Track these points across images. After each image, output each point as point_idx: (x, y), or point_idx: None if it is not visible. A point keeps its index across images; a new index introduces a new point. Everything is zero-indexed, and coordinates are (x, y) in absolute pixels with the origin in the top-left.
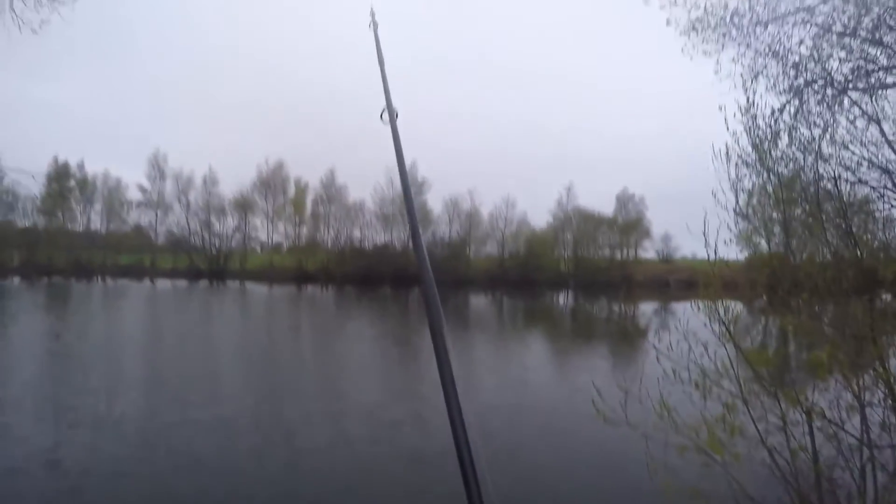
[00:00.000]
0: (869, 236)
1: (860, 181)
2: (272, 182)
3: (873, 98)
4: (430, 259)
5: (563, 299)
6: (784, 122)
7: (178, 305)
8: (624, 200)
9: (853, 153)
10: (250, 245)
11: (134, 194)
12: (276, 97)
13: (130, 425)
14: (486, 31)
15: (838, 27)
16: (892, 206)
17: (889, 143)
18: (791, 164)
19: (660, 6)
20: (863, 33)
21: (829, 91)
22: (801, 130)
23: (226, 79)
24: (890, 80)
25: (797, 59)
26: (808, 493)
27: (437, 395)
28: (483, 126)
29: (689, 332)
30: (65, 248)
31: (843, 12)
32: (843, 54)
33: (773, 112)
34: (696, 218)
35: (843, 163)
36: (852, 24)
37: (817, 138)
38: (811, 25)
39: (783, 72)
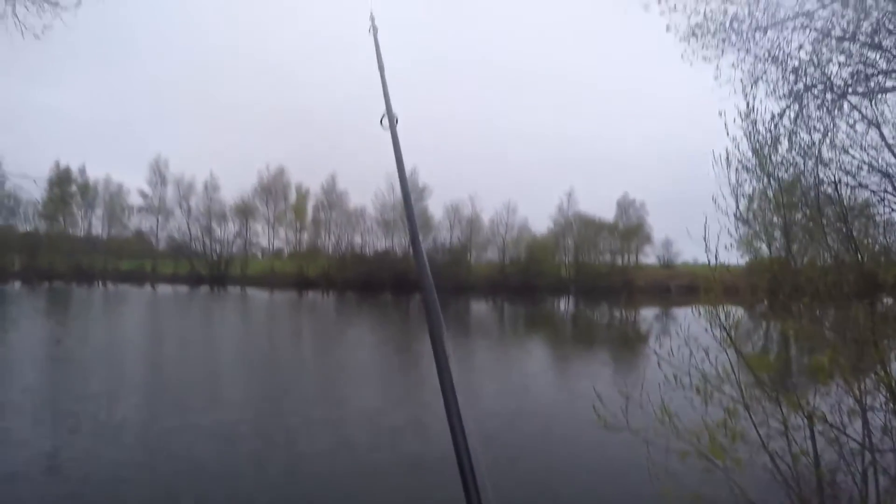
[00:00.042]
0: (869, 240)
1: (860, 185)
2: (273, 188)
3: (873, 102)
4: (430, 265)
5: (565, 305)
6: (784, 126)
7: (179, 311)
8: (625, 206)
9: (853, 157)
10: (251, 251)
11: (135, 199)
12: (277, 103)
13: (131, 430)
14: (487, 36)
15: (837, 32)
16: (892, 209)
17: (889, 146)
18: (791, 169)
19: (660, 12)
20: (862, 37)
21: (828, 95)
22: (801, 135)
23: (227, 84)
24: (889, 83)
25: (797, 63)
26: (809, 498)
27: (437, 401)
28: (484, 131)
29: (690, 337)
30: (66, 253)
31: (843, 17)
32: (842, 59)
33: (773, 117)
34: (697, 223)
35: (843, 167)
36: (851, 28)
37: (817, 143)
38: (810, 30)
39: (783, 77)
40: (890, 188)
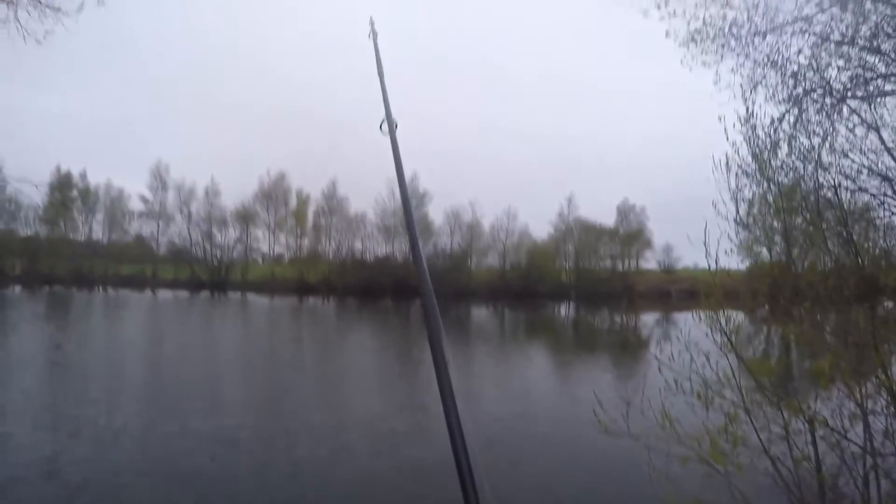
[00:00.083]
0: (870, 244)
1: (860, 189)
2: (274, 193)
3: (872, 106)
4: (431, 271)
5: (565, 310)
6: (783, 131)
7: (180, 316)
8: (625, 211)
9: (853, 161)
10: (252, 256)
11: (136, 205)
12: (278, 109)
13: (131, 436)
14: (487, 41)
15: (836, 36)
16: (892, 213)
17: (888, 150)
18: (791, 174)
19: (659, 18)
20: (861, 42)
21: (828, 100)
22: (801, 139)
23: (228, 90)
24: (889, 87)
25: (796, 68)
26: (811, 503)
27: (437, 406)
28: (484, 136)
29: (690, 342)
30: (66, 258)
31: (841, 21)
32: (841, 63)
33: (772, 121)
34: (697, 228)
35: (842, 171)
36: (850, 32)
37: (817, 147)
38: (809, 35)
39: (782, 81)
40: (890, 192)
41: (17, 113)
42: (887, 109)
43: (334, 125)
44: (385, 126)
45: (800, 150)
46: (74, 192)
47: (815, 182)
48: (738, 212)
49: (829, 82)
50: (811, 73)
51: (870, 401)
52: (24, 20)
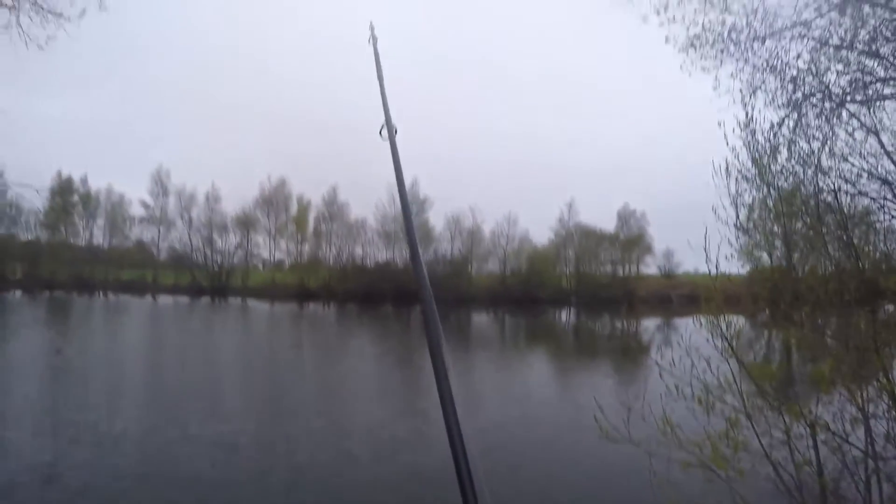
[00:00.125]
0: (870, 248)
1: (860, 193)
2: (274, 199)
3: (871, 110)
4: (431, 277)
5: (566, 316)
6: (783, 136)
7: (180, 322)
8: (625, 216)
9: (852, 165)
10: (252, 262)
11: (137, 210)
12: (278, 115)
13: (131, 441)
14: (487, 46)
15: (835, 40)
16: (892, 216)
17: (888, 154)
18: (791, 178)
19: (658, 24)
20: (860, 46)
21: (827, 104)
22: (801, 144)
23: (229, 95)
24: (888, 91)
25: (795, 73)
26: None
27: (438, 412)
28: (485, 142)
29: (691, 347)
30: (67, 263)
31: (840, 25)
32: (840, 67)
33: (771, 126)
34: (698, 233)
35: (842, 175)
36: (849, 36)
37: (816, 151)
38: (808, 39)
39: (781, 86)
40: (890, 195)
41: (18, 118)
42: (886, 113)
43: (335, 131)
44: (385, 131)
45: (799, 154)
46: (75, 197)
47: (814, 186)
48: (738, 217)
49: (828, 86)
50: (810, 77)
51: (871, 404)
52: (25, 25)
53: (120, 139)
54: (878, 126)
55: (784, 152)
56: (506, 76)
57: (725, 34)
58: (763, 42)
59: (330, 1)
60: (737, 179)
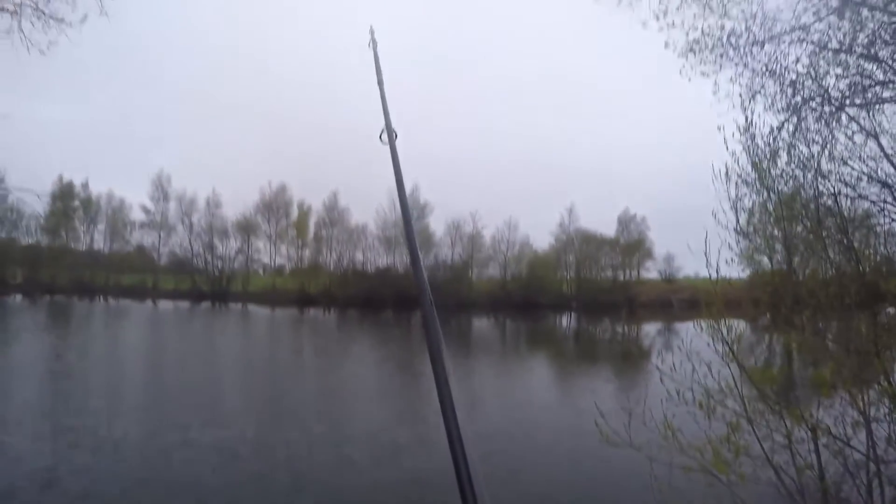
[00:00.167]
0: (870, 251)
1: (860, 196)
2: (275, 205)
3: (871, 113)
4: (431, 282)
5: (567, 321)
6: (783, 140)
7: (181, 327)
8: (626, 221)
9: (852, 169)
10: (253, 267)
11: (137, 215)
12: (279, 118)
13: (131, 446)
14: (487, 49)
15: (834, 44)
16: (892, 220)
17: (888, 157)
18: (791, 182)
19: (658, 29)
20: (858, 49)
21: (826, 108)
22: (800, 148)
23: (230, 99)
24: (887, 94)
25: (794, 77)
26: None
27: (439, 417)
28: (485, 146)
29: (692, 352)
30: (67, 267)
31: (839, 29)
32: (839, 71)
33: (771, 130)
34: (698, 237)
35: (842, 178)
36: (848, 40)
37: (816, 155)
38: (807, 43)
39: (781, 90)
40: (890, 198)
41: (19, 122)
42: (886, 116)
43: (335, 134)
44: (385, 136)
45: (799, 158)
46: (76, 202)
47: (814, 190)
48: (738, 221)
49: (827, 90)
50: (809, 81)
51: (872, 408)
52: (27, 31)
53: (121, 144)
54: (878, 129)
55: (784, 156)
56: (506, 77)
57: (724, 39)
58: (762, 46)
59: (330, 3)
60: (737, 184)
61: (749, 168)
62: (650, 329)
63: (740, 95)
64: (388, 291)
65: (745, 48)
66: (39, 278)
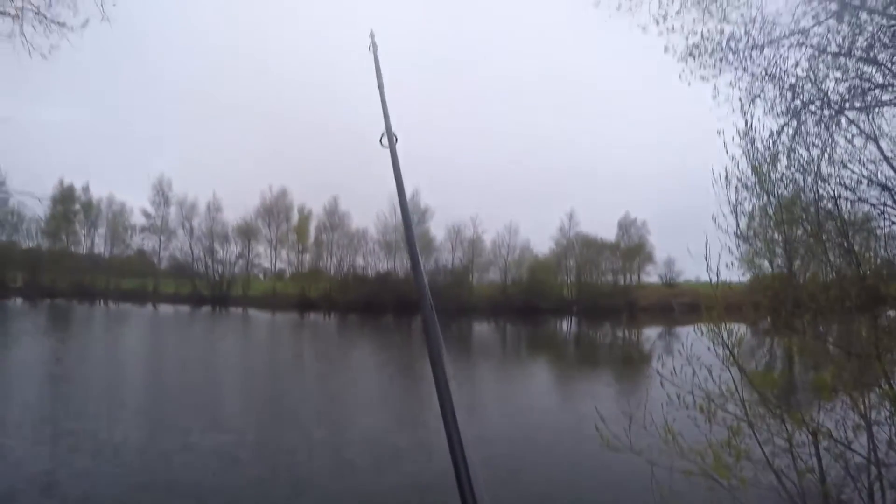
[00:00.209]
0: (871, 254)
1: (860, 199)
2: (275, 209)
3: (870, 116)
4: (432, 286)
5: (567, 326)
6: (782, 143)
7: (181, 331)
8: (626, 225)
9: (852, 172)
10: (253, 272)
11: (138, 219)
12: (280, 121)
13: (130, 450)
14: (488, 51)
15: (833, 48)
16: (892, 222)
17: (887, 160)
18: (791, 186)
19: (658, 34)
20: (858, 52)
21: (826, 111)
22: (800, 151)
23: (231, 103)
24: (886, 97)
25: (794, 80)
26: None
27: (439, 422)
28: (486, 150)
29: (693, 356)
30: (68, 271)
31: (838, 32)
32: (838, 74)
33: (771, 134)
34: (699, 240)
35: (842, 182)
36: (847, 44)
37: (816, 159)
38: (806, 47)
39: (780, 94)
40: (890, 201)
41: (20, 126)
42: (885, 119)
43: (336, 138)
44: (385, 140)
45: (799, 162)
46: (77, 206)
47: (814, 193)
48: (738, 225)
49: (826, 94)
50: (809, 85)
51: (873, 411)
52: (29, 35)
53: (121, 146)
54: (878, 132)
55: (783, 160)
56: (506, 79)
57: (724, 43)
58: (761, 50)
59: (330, 3)
60: (737, 188)
61: (749, 172)
62: (651, 333)
63: (740, 99)
64: (389, 296)
65: (744, 52)
66: (40, 282)
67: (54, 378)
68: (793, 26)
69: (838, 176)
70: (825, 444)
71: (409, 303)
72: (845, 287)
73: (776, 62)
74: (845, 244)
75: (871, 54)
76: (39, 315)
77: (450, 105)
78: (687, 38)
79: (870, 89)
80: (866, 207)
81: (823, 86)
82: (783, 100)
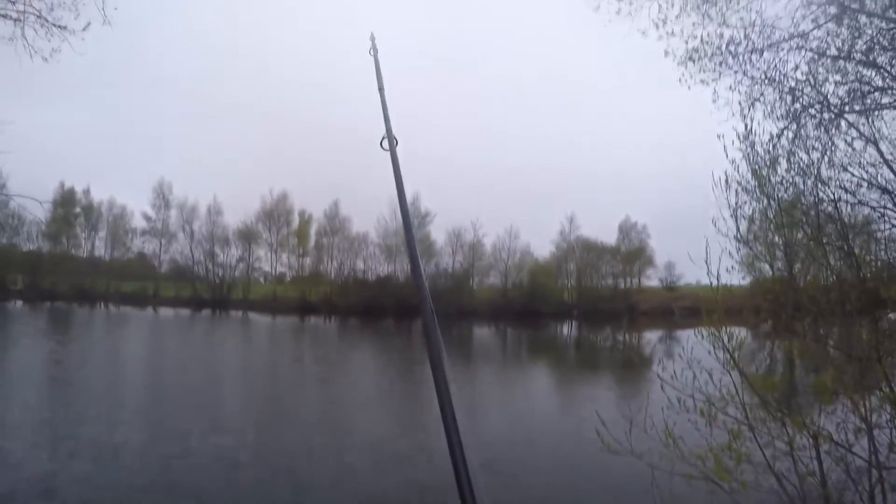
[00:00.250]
0: (871, 257)
1: (860, 202)
2: (276, 213)
3: (870, 119)
4: (432, 290)
5: (568, 329)
6: (782, 147)
7: (181, 334)
8: (626, 229)
9: (852, 175)
10: (253, 275)
11: (139, 222)
12: (280, 121)
13: (130, 454)
14: (488, 54)
15: (832, 51)
16: (892, 225)
17: (887, 163)
18: (791, 189)
19: (657, 38)
20: (857, 56)
21: (825, 115)
22: (800, 155)
23: (232, 105)
24: (886, 100)
25: (793, 84)
26: None
27: (440, 425)
28: (486, 151)
29: (693, 359)
30: (68, 274)
31: (837, 36)
32: (838, 77)
33: (771, 138)
34: (699, 242)
35: (842, 185)
36: (846, 47)
37: (816, 162)
38: (806, 51)
39: (780, 98)
40: (890, 204)
41: (21, 129)
42: (885, 122)
43: (336, 140)
44: (385, 142)
45: (799, 165)
46: (77, 209)
47: (814, 197)
48: (738, 229)
49: (826, 97)
50: (808, 88)
51: (874, 414)
52: (30, 38)
53: (122, 148)
54: (877, 135)
55: (783, 163)
56: (506, 80)
57: (724, 47)
58: (761, 54)
59: (330, 5)
60: (737, 192)
61: (749, 175)
62: (651, 337)
63: (740, 103)
64: (389, 300)
65: (744, 56)
66: (40, 284)
67: (54, 380)
68: (792, 30)
69: (838, 179)
70: (826, 448)
71: (410, 306)
72: (846, 290)
73: (776, 66)
74: (845, 247)
75: (871, 57)
76: (39, 318)
77: (450, 105)
78: (686, 42)
79: (869, 92)
80: (866, 210)
81: (823, 89)
82: (783, 103)
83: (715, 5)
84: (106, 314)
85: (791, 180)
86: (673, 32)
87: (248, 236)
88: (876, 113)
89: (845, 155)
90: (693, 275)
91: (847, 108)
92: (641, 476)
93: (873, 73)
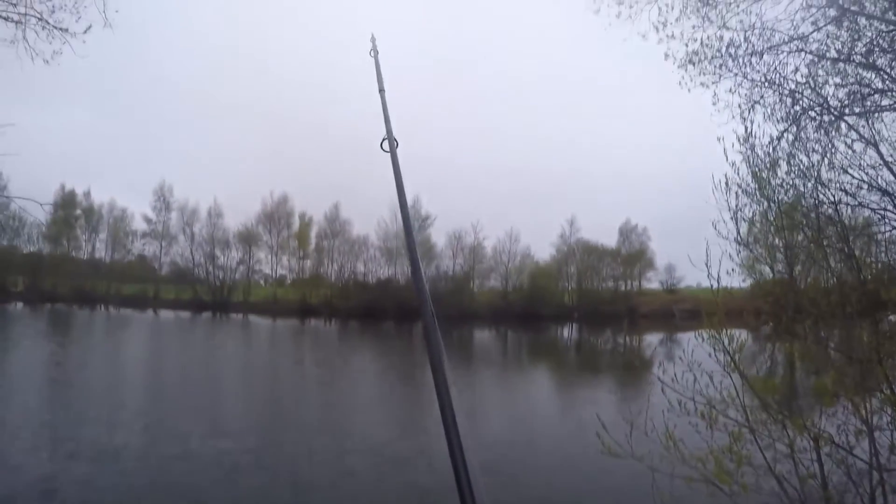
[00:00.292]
0: (871, 259)
1: (860, 205)
2: (276, 216)
3: (870, 121)
4: (433, 293)
5: (568, 332)
6: (782, 149)
7: (182, 337)
8: (626, 232)
9: (852, 177)
10: (254, 278)
11: (139, 224)
12: (280, 122)
13: (130, 456)
14: (488, 55)
15: (832, 53)
16: (893, 227)
17: (887, 164)
18: (791, 191)
19: (657, 41)
20: (857, 58)
21: (825, 117)
22: (800, 157)
23: (232, 110)
24: (885, 102)
25: (793, 86)
26: None
27: (440, 428)
28: (486, 153)
29: (694, 362)
30: (69, 276)
31: (837, 39)
32: (838, 80)
33: (771, 140)
34: (699, 245)
35: (842, 187)
36: (846, 49)
37: (816, 164)
38: (805, 53)
39: (780, 100)
40: (890, 206)
41: (22, 131)
42: (885, 124)
43: (336, 141)
44: (386, 144)
45: (799, 167)
46: (78, 211)
47: (815, 199)
48: (738, 231)
49: (826, 99)
50: (808, 90)
51: (875, 416)
52: (31, 40)
53: (122, 149)
54: (877, 137)
55: (783, 166)
56: (506, 81)
57: (724, 50)
58: (761, 57)
59: (330, 5)
60: (737, 194)
61: (749, 178)
62: (652, 339)
63: (740, 105)
64: (390, 302)
65: (743, 59)
66: (41, 286)
67: (54, 382)
68: (792, 32)
69: (838, 181)
70: (827, 450)
71: (410, 309)
72: (846, 292)
73: (776, 68)
74: (846, 249)
75: (870, 59)
76: (40, 320)
77: (450, 106)
78: (686, 45)
79: (869, 94)
80: (866, 212)
81: (823, 91)
82: (783, 105)
83: (715, 8)
84: (106, 316)
85: (791, 182)
86: (673, 35)
87: (248, 239)
88: (876, 115)
89: (845, 157)
90: (693, 277)
91: (847, 111)
92: (642, 478)
93: (873, 76)
